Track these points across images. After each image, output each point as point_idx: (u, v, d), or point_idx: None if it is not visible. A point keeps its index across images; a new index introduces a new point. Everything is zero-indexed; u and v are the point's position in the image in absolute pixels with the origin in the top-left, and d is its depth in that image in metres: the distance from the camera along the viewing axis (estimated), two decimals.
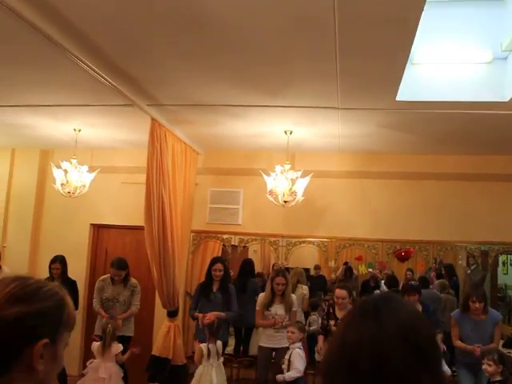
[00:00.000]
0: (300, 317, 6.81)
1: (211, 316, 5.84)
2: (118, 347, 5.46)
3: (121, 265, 6.36)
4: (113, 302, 6.28)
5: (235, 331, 7.17)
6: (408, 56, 3.57)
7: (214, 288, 6.24)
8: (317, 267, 7.73)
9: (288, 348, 5.60)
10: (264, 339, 5.99)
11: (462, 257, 7.42)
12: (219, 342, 5.58)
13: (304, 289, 7.20)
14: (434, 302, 6.51)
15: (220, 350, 5.56)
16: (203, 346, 5.49)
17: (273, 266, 7.75)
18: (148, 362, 6.45)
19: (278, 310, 5.90)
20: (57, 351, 1.23)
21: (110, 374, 5.35)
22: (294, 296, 6.14)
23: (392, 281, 7.38)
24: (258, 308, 5.97)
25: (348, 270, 7.77)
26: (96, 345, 5.49)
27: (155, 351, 6.44)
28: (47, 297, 1.24)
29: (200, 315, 5.96)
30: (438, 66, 4.32)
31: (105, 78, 4.12)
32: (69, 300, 1.31)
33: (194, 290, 6.51)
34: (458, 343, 5.45)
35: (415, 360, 1.04)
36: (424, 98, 4.41)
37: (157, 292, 6.43)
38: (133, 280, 6.50)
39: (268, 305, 5.90)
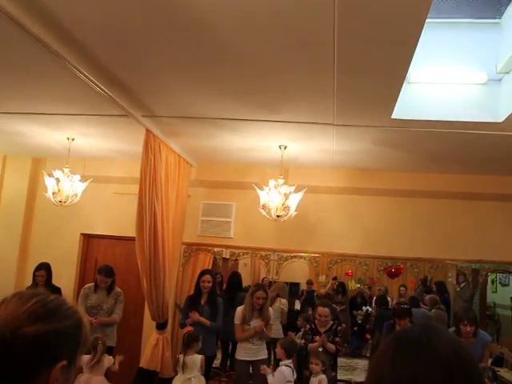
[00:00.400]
0: (277, 330, 6.80)
1: (194, 317, 5.93)
2: (109, 360, 5.34)
3: (108, 272, 6.31)
4: (97, 310, 6.18)
5: (222, 345, 7.12)
6: (405, 76, 3.59)
7: (202, 301, 6.22)
8: (309, 282, 7.74)
9: (266, 359, 5.76)
10: (240, 352, 5.89)
11: (451, 274, 7.44)
12: (196, 356, 5.34)
13: (282, 303, 7.20)
14: (425, 319, 6.51)
15: (198, 364, 5.31)
16: (180, 356, 5.38)
17: (262, 280, 7.73)
18: (136, 374, 6.39)
19: (255, 324, 5.83)
20: (71, 373, 1.18)
21: None
22: (270, 309, 6.08)
23: (382, 300, 7.37)
24: (237, 322, 5.86)
25: (340, 286, 7.78)
26: (86, 358, 5.29)
27: (143, 363, 6.38)
28: (67, 315, 1.19)
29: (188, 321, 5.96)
30: (433, 85, 4.36)
31: (100, 88, 4.10)
32: (86, 319, 1.26)
33: (184, 301, 6.46)
34: None
35: None
36: (419, 116, 4.43)
37: (146, 304, 6.38)
38: (117, 288, 6.43)
39: (247, 320, 5.83)
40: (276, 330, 6.69)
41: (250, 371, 5.87)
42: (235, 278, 7.43)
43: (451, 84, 4.35)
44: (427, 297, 7.16)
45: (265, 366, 5.43)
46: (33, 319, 1.12)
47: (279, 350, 5.35)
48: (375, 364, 1.13)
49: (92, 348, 5.13)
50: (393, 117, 4.42)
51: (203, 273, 6.37)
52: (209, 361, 5.88)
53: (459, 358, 1.03)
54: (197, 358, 5.30)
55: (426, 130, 4.78)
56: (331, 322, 5.66)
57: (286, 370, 5.19)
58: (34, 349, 1.09)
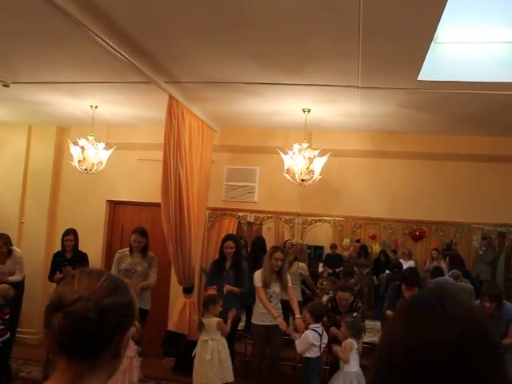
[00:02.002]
0: (297, 293, 6.80)
1: (226, 289, 5.94)
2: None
3: (142, 232, 6.31)
4: (131, 273, 6.17)
5: (245, 308, 7.20)
6: (433, 36, 3.50)
7: (227, 265, 6.25)
8: (333, 246, 7.74)
9: None
10: (256, 317, 5.88)
11: (476, 238, 7.36)
12: (215, 319, 5.30)
13: (300, 266, 7.02)
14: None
15: (215, 326, 5.26)
16: (201, 318, 5.45)
17: (285, 242, 7.76)
18: (163, 337, 6.53)
19: (275, 288, 5.80)
20: (128, 340, 1.33)
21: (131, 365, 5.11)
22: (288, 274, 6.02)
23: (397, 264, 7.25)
24: (259, 284, 5.77)
25: (362, 249, 7.78)
26: None
27: (171, 327, 6.52)
28: (127, 290, 1.35)
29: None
30: (461, 45, 4.23)
31: (123, 55, 4.09)
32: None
33: (209, 266, 6.49)
34: None
35: (492, 362, 0.99)
36: (446, 78, 4.32)
37: (173, 268, 6.48)
38: (150, 253, 6.46)
39: (267, 283, 5.77)
40: (296, 294, 6.71)
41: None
42: (259, 242, 7.45)
43: (479, 43, 4.21)
44: (449, 273, 7.03)
45: (292, 331, 5.47)
46: (108, 293, 1.28)
47: (307, 314, 5.36)
48: (387, 329, 1.12)
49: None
50: (419, 78, 4.32)
51: (226, 238, 6.40)
52: (234, 324, 5.90)
53: (473, 320, 1.02)
54: (213, 321, 5.29)
55: (452, 91, 4.68)
56: (351, 299, 5.59)
57: (311, 333, 5.20)
58: (113, 317, 1.25)
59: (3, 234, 6.55)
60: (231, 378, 5.29)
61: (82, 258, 6.61)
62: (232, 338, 5.87)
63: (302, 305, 6.56)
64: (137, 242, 6.26)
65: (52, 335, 1.23)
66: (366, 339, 5.90)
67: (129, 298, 1.33)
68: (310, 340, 5.16)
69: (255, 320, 5.89)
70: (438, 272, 6.62)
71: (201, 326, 5.32)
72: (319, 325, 5.26)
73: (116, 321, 1.26)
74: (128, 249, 6.37)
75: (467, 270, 7.08)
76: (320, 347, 5.20)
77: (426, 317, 1.02)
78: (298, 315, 5.67)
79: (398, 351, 1.01)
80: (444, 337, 0.98)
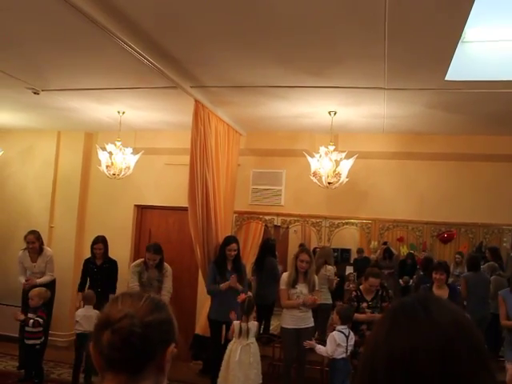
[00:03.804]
0: (326, 297, 6.81)
1: (232, 282, 5.92)
2: None
3: (157, 249, 6.29)
4: (148, 288, 6.14)
5: (257, 309, 7.23)
6: (461, 35, 3.45)
7: (229, 267, 6.12)
8: (360, 251, 7.67)
9: (313, 327, 5.84)
10: (287, 320, 5.79)
11: (507, 239, 7.23)
12: (253, 322, 5.50)
13: (328, 269, 6.98)
14: (483, 284, 6.40)
15: (254, 329, 5.52)
16: (237, 323, 5.47)
17: (314, 249, 7.68)
18: (191, 340, 6.56)
19: (302, 289, 5.76)
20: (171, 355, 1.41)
21: None
22: (315, 276, 5.98)
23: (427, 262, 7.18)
24: (282, 287, 5.78)
25: (387, 251, 7.67)
26: None
27: (198, 330, 6.56)
28: (167, 309, 1.45)
29: (228, 283, 5.94)
30: (489, 43, 4.16)
31: (149, 61, 4.13)
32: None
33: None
34: (505, 322, 5.40)
35: (476, 360, 0.96)
36: (474, 77, 4.25)
37: (200, 272, 6.50)
38: (165, 264, 6.45)
39: (292, 284, 5.76)
40: (324, 297, 6.69)
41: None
42: (267, 244, 7.40)
43: (508, 41, 4.13)
44: (485, 265, 6.95)
45: (309, 341, 5.42)
46: (150, 311, 1.37)
47: (335, 316, 5.44)
48: (371, 335, 1.08)
49: None
50: (447, 78, 4.26)
51: (230, 241, 6.18)
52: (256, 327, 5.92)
53: (458, 327, 0.99)
54: (255, 324, 5.50)
55: (481, 90, 4.61)
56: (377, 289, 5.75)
57: (337, 334, 5.25)
58: (156, 333, 1.35)
59: (35, 230, 6.69)
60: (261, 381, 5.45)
61: (111, 265, 6.68)
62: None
63: (331, 308, 6.57)
64: (152, 260, 6.26)
65: (101, 352, 1.33)
66: None
67: (169, 316, 1.42)
68: (337, 340, 5.20)
69: (286, 324, 5.82)
70: (427, 263, 6.59)
71: (245, 330, 5.41)
72: (346, 327, 5.29)
73: (159, 336, 1.35)
74: (143, 261, 6.36)
75: (503, 265, 7.03)
76: (346, 349, 5.23)
77: (409, 323, 1.00)
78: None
79: (381, 358, 0.98)
80: (427, 344, 0.95)
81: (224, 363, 5.40)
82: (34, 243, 6.57)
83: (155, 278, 6.31)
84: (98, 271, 6.57)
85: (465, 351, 0.95)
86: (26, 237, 6.58)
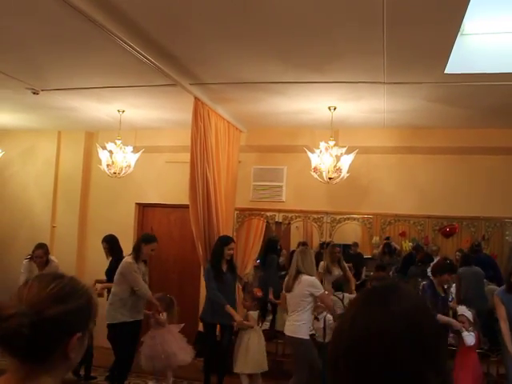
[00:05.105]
0: None
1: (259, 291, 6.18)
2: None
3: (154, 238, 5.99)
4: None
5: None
6: (459, 27, 3.44)
7: (224, 268, 5.95)
8: (355, 245, 7.66)
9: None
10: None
11: (509, 233, 7.21)
12: (255, 312, 6.00)
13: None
14: (476, 278, 6.39)
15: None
16: (254, 313, 5.96)
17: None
18: (195, 338, 6.57)
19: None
20: (84, 341, 1.40)
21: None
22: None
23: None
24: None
25: (387, 247, 7.62)
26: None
27: (201, 328, 6.54)
28: (81, 295, 1.39)
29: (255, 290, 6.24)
30: (489, 36, 4.14)
31: (148, 59, 4.13)
32: (95, 295, 1.48)
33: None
34: (504, 328, 5.11)
35: (421, 352, 1.02)
36: (474, 70, 4.24)
37: (202, 269, 6.50)
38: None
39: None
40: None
41: None
42: (270, 242, 7.56)
43: (506, 33, 4.11)
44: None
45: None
46: (53, 302, 1.32)
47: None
48: (343, 315, 1.18)
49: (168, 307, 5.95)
50: (446, 72, 4.26)
51: (229, 240, 5.99)
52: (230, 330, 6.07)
53: (419, 311, 1.07)
54: (256, 313, 6.07)
55: (481, 83, 4.59)
56: None
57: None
58: (55, 326, 1.30)
59: (43, 244, 6.65)
60: None
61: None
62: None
63: None
64: (155, 249, 5.93)
65: None
66: None
67: (79, 304, 1.36)
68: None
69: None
70: (466, 260, 6.57)
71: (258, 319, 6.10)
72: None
73: (59, 328, 1.31)
74: (132, 257, 5.77)
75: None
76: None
77: (375, 306, 1.08)
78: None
79: (344, 340, 1.07)
80: (391, 326, 1.03)
81: (241, 350, 5.78)
82: (42, 258, 6.54)
83: (146, 271, 5.97)
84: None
85: (409, 345, 1.02)
86: (34, 251, 6.51)
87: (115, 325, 5.59)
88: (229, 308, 5.79)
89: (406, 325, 1.03)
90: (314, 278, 5.41)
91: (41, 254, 6.51)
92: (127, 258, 5.77)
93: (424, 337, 1.04)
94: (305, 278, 5.30)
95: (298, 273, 5.33)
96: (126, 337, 5.61)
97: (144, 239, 5.88)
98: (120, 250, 6.51)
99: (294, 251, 7.48)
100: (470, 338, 5.16)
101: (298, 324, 5.27)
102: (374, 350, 1.01)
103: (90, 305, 1.41)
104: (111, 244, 6.61)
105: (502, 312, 5.15)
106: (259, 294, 6.11)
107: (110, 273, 6.31)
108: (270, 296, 7.03)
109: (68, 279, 1.41)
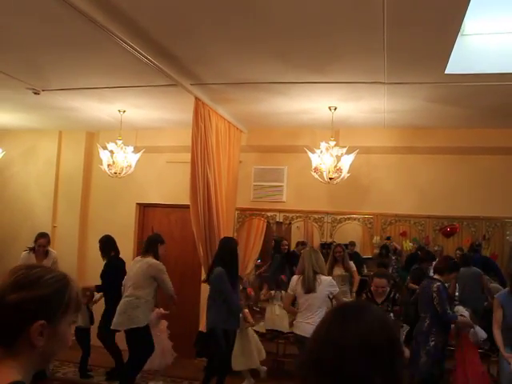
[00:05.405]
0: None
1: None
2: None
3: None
4: None
5: None
6: (459, 27, 3.45)
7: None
8: (351, 244, 7.64)
9: None
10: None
11: (510, 232, 7.21)
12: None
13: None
14: (473, 278, 6.42)
15: None
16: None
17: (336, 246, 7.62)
18: (196, 338, 6.57)
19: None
20: (57, 331, 1.41)
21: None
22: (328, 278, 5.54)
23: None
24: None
25: (383, 248, 7.56)
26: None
27: (203, 327, 6.54)
28: (48, 284, 1.41)
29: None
30: (489, 36, 4.15)
31: (148, 59, 4.14)
32: (72, 286, 1.48)
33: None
34: (497, 334, 5.00)
35: (370, 362, 1.20)
36: (474, 70, 4.25)
37: (203, 269, 6.50)
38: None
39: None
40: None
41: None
42: (274, 242, 7.64)
43: (506, 33, 4.12)
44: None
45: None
46: (15, 288, 1.37)
47: None
48: (317, 326, 1.35)
49: None
50: (446, 72, 4.26)
51: (237, 243, 5.92)
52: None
53: (374, 330, 1.25)
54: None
55: (481, 83, 4.60)
56: (388, 290, 5.38)
57: None
58: (14, 312, 1.35)
59: (46, 233, 6.70)
60: None
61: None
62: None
63: None
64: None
65: None
66: None
67: (42, 293, 1.38)
68: None
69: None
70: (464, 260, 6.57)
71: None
72: None
73: (19, 314, 1.35)
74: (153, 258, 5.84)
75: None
76: None
77: (342, 323, 1.27)
78: None
79: (309, 348, 1.29)
80: (331, 339, 1.24)
81: (241, 347, 5.96)
82: (45, 246, 6.58)
83: None
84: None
85: (358, 356, 1.20)
86: (37, 239, 6.53)
87: (144, 327, 5.62)
88: (246, 312, 5.97)
89: (358, 341, 1.22)
90: (330, 277, 5.54)
91: (44, 242, 6.55)
92: (151, 260, 5.77)
93: (373, 350, 1.21)
94: (323, 278, 5.36)
95: (315, 273, 5.33)
96: (149, 338, 5.68)
97: (159, 240, 5.96)
98: (110, 252, 6.51)
99: (293, 251, 7.58)
100: (482, 332, 5.29)
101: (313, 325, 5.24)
102: (328, 356, 1.22)
103: (60, 295, 1.42)
104: (102, 244, 6.57)
105: (497, 315, 5.06)
106: (252, 293, 6.38)
107: (107, 276, 6.30)
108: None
109: (40, 269, 1.45)
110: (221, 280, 5.46)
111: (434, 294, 5.18)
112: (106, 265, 6.44)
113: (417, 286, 6.14)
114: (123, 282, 5.85)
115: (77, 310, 1.49)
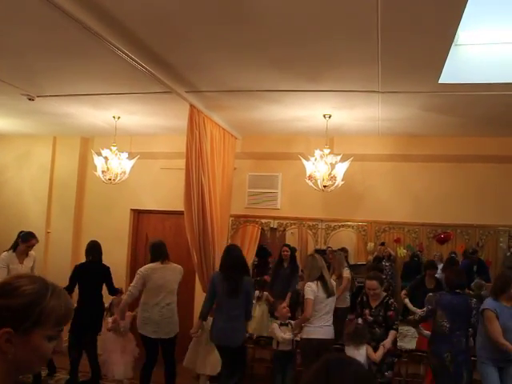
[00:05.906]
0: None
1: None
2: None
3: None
4: None
5: None
6: (453, 37, 3.47)
7: None
8: (343, 250, 7.61)
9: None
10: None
11: (503, 240, 7.23)
12: None
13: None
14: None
15: None
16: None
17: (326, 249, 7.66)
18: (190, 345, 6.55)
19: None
20: (28, 342, 1.44)
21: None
22: (333, 282, 5.79)
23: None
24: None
25: (377, 260, 7.45)
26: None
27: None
28: (23, 295, 1.45)
29: None
30: (482, 46, 4.18)
31: (143, 67, 4.15)
32: (54, 300, 1.50)
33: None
34: (505, 343, 4.59)
35: None
36: (467, 80, 4.27)
37: (197, 276, 6.50)
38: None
39: None
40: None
41: None
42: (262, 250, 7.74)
43: (500, 44, 4.14)
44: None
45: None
46: None
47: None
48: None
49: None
50: (440, 81, 4.29)
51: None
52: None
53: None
54: None
55: (475, 93, 4.62)
56: (383, 295, 5.33)
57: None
58: None
59: (35, 234, 6.62)
60: None
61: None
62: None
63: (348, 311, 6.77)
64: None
65: None
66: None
67: (11, 303, 1.44)
68: None
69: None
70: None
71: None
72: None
73: None
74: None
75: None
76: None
77: (313, 378, 1.32)
78: None
79: None
80: None
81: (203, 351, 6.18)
82: (34, 246, 6.55)
83: None
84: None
85: None
86: (29, 240, 6.44)
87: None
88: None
89: None
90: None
91: (35, 243, 6.50)
92: (178, 266, 6.10)
93: None
94: (332, 281, 5.70)
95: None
96: None
97: (164, 244, 6.04)
98: (87, 257, 6.37)
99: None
100: None
101: (332, 327, 5.50)
102: None
103: (31, 307, 1.45)
104: (86, 249, 6.46)
105: (496, 327, 4.67)
106: None
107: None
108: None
109: (25, 280, 1.50)
110: (253, 290, 5.79)
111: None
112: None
113: (411, 304, 6.19)
114: (150, 289, 5.86)
115: (58, 324, 1.50)
